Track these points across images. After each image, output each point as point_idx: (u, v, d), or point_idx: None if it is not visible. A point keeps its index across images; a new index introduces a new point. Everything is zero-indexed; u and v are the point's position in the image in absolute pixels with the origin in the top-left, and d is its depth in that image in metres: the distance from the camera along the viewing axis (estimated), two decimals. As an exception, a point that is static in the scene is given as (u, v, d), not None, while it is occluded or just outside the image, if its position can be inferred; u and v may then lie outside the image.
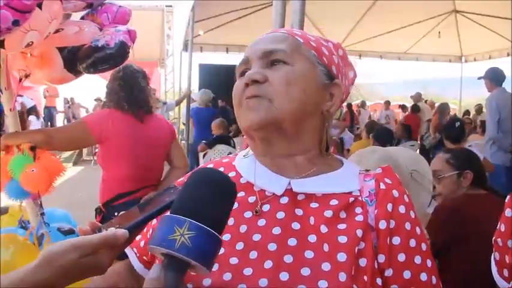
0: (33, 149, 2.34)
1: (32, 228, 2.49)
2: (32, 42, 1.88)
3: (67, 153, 11.44)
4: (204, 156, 6.77)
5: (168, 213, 0.74)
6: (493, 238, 1.08)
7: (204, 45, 10.92)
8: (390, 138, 5.56)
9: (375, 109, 20.93)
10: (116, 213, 2.79)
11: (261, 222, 0.90)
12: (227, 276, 0.85)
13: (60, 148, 3.11)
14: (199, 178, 0.77)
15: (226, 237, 0.89)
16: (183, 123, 9.78)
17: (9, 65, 2.32)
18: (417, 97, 11.92)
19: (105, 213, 2.80)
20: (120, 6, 2.42)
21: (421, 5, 8.41)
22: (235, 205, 0.90)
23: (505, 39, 9.85)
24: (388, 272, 0.87)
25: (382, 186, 0.93)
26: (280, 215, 0.90)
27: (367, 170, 1.00)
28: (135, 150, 2.80)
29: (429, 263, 0.90)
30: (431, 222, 2.32)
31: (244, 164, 1.02)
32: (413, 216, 0.92)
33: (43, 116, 14.67)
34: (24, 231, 2.53)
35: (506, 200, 1.09)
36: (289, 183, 0.93)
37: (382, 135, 5.45)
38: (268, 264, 0.85)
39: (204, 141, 7.00)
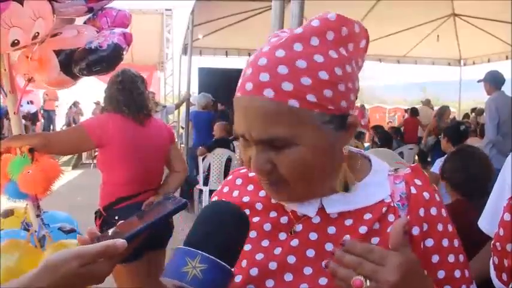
0: (31, 151, 2.35)
1: (33, 230, 2.50)
2: (18, 40, 1.89)
3: (66, 157, 11.44)
4: (203, 160, 6.76)
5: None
6: (492, 242, 1.08)
7: (204, 49, 10.93)
8: (388, 141, 5.58)
9: (375, 112, 20.98)
10: (116, 217, 2.81)
11: (294, 242, 0.89)
12: None
13: (59, 152, 3.12)
14: (212, 211, 0.79)
15: (259, 256, 0.89)
16: (182, 127, 9.78)
17: (15, 70, 2.36)
18: (427, 102, 11.99)
19: (106, 217, 2.80)
20: (119, 10, 2.43)
21: (420, 9, 8.43)
22: (268, 226, 0.92)
23: (504, 42, 9.88)
24: None
25: (413, 190, 0.91)
26: (313, 236, 0.89)
27: (395, 170, 0.97)
28: (135, 154, 2.80)
29: (461, 258, 0.90)
30: None
31: None
32: (444, 215, 0.91)
33: (42, 119, 14.71)
34: (26, 233, 2.55)
35: (504, 205, 1.09)
36: (321, 202, 0.90)
37: (380, 139, 5.48)
38: (303, 287, 0.85)
39: (203, 145, 6.99)
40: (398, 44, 10.83)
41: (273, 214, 0.94)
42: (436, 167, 3.95)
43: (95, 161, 10.41)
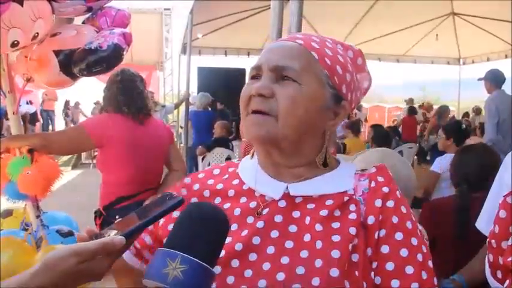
0: (31, 151, 2.35)
1: (31, 230, 2.49)
2: (17, 41, 1.89)
3: (66, 157, 11.43)
4: (202, 159, 6.76)
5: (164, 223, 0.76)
6: (487, 240, 1.08)
7: (203, 48, 10.93)
8: (387, 140, 5.58)
9: (375, 111, 20.97)
10: (116, 217, 2.80)
11: (260, 224, 0.94)
12: (230, 280, 0.90)
13: (58, 152, 3.12)
14: (192, 212, 0.80)
15: (227, 239, 0.90)
16: (181, 127, 9.77)
17: (14, 70, 2.35)
18: (410, 101, 12.03)
19: (106, 217, 2.80)
20: (119, 9, 2.42)
21: (419, 8, 8.43)
22: (238, 211, 0.96)
23: (503, 41, 9.88)
24: (374, 264, 0.90)
25: (373, 184, 0.96)
26: (278, 218, 0.95)
27: (362, 170, 1.02)
28: (135, 154, 2.80)
29: (420, 257, 0.90)
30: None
31: (247, 171, 1.05)
32: (404, 211, 0.93)
33: (42, 119, 14.69)
34: (25, 233, 2.54)
35: (499, 202, 1.09)
36: (287, 187, 0.97)
37: (379, 137, 5.48)
38: (266, 266, 0.89)
39: (202, 144, 6.99)
40: (398, 43, 10.84)
41: (243, 200, 1.00)
42: (436, 165, 3.95)
43: (94, 161, 10.41)
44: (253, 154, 1.07)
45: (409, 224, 0.92)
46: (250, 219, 0.96)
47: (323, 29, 9.26)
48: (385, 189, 0.95)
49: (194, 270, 0.72)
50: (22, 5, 1.78)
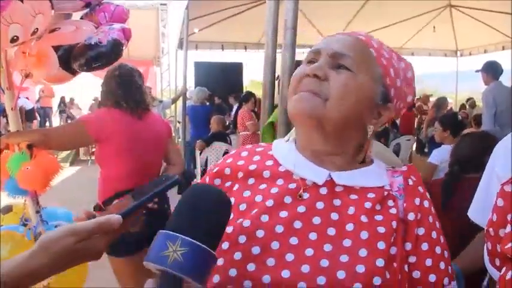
0: (30, 147, 2.36)
1: (30, 225, 2.50)
2: (17, 36, 1.88)
3: (64, 153, 11.42)
4: (200, 153, 6.77)
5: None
6: (485, 228, 1.09)
7: (199, 43, 10.91)
8: (386, 134, 5.59)
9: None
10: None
11: (301, 208, 0.94)
12: (271, 262, 0.88)
13: (57, 148, 3.12)
14: (193, 194, 0.80)
15: (264, 218, 0.93)
16: (179, 122, 9.77)
17: (12, 66, 2.34)
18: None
19: (105, 211, 2.79)
20: (117, 5, 2.43)
21: (417, 0, 8.41)
22: (275, 190, 0.95)
23: (500, 33, 9.88)
24: (412, 259, 0.93)
25: (410, 182, 1.00)
26: (320, 205, 0.94)
27: (392, 167, 1.06)
28: (134, 148, 2.80)
29: (446, 254, 0.96)
30: None
31: (283, 152, 1.04)
32: (434, 211, 0.99)
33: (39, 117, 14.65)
34: (25, 228, 2.55)
35: (497, 190, 1.10)
36: (329, 175, 0.97)
37: (379, 132, 5.49)
38: (309, 252, 0.89)
39: (201, 138, 6.99)
40: (395, 36, 10.80)
41: (280, 182, 0.98)
42: (433, 157, 3.97)
43: (92, 157, 10.41)
44: (288, 138, 1.07)
45: (437, 224, 0.98)
46: (287, 199, 0.95)
47: (320, 23, 9.25)
48: (420, 189, 0.99)
49: (194, 252, 0.71)
50: (22, 1, 1.78)
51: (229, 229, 0.91)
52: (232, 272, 0.88)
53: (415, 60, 13.63)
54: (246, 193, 0.99)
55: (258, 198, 0.96)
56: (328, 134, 0.96)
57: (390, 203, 0.96)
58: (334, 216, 0.93)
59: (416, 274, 0.93)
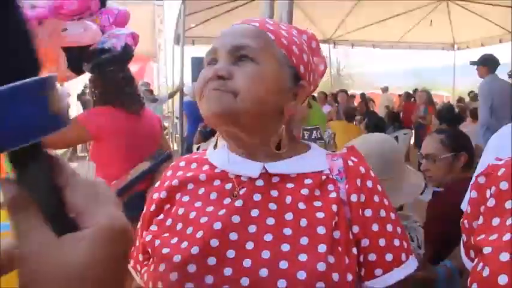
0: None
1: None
2: None
3: (61, 150, 11.41)
4: (197, 149, 6.76)
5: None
6: (461, 220, 1.08)
7: (196, 38, 10.87)
8: (381, 127, 5.60)
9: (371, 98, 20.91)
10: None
11: (238, 203, 0.94)
12: (211, 261, 0.88)
13: (54, 147, 3.11)
14: None
15: (203, 219, 0.92)
16: (177, 118, 9.75)
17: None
18: (385, 89, 12.03)
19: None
20: (120, 9, 2.44)
21: (413, -7, 8.41)
22: (214, 195, 0.95)
23: (497, 25, 9.87)
24: (365, 242, 0.94)
25: (350, 163, 1.00)
26: (257, 197, 0.94)
27: (333, 151, 1.07)
28: (132, 144, 2.79)
29: (399, 230, 0.97)
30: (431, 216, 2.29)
31: (216, 155, 1.04)
32: (380, 189, 0.99)
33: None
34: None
35: (471, 182, 1.08)
36: (263, 166, 0.97)
37: (373, 124, 5.50)
38: (249, 245, 0.89)
39: (200, 132, 6.97)
40: (392, 30, 10.81)
41: (216, 183, 0.99)
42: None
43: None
44: (215, 145, 1.06)
45: (385, 201, 0.98)
46: (227, 201, 0.95)
47: (316, 16, 9.23)
48: (362, 169, 0.99)
49: None
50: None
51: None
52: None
53: (412, 53, 13.63)
54: (185, 198, 0.99)
55: (198, 203, 0.96)
56: (248, 127, 0.94)
57: (330, 187, 0.96)
58: (273, 206, 0.93)
59: (372, 257, 0.93)
